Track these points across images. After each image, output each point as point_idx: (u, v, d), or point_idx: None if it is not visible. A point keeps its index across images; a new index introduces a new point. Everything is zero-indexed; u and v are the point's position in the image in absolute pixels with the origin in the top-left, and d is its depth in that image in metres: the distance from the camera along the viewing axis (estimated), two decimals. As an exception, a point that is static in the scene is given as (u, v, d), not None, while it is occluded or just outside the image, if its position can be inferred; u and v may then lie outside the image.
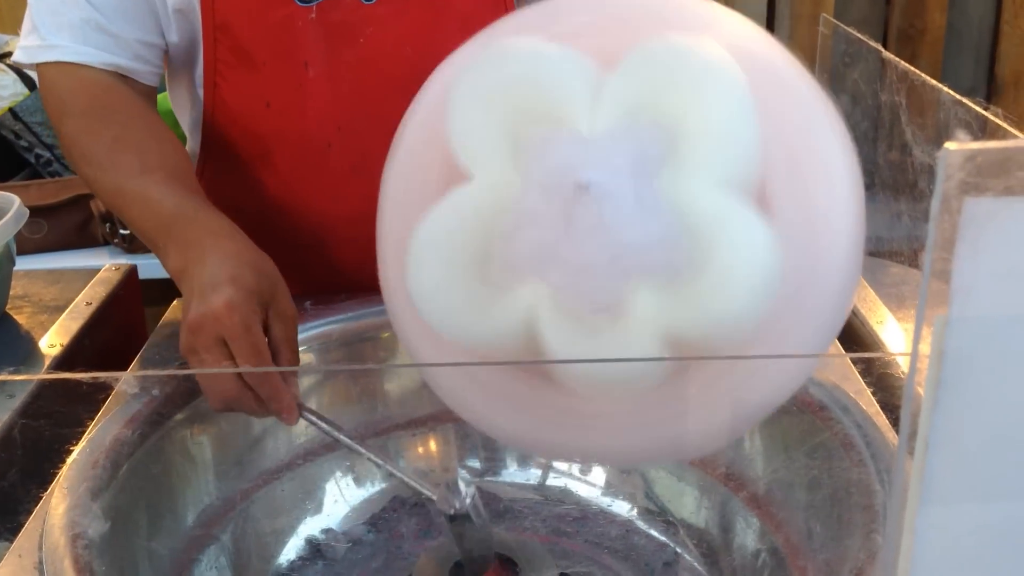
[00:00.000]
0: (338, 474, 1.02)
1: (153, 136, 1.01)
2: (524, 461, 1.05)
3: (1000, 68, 2.64)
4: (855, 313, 1.05)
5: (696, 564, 0.93)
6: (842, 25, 1.20)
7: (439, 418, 1.05)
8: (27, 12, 1.06)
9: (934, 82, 0.93)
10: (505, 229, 0.60)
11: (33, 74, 1.13)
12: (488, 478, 1.03)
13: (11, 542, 0.75)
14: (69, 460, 0.82)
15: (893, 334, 1.01)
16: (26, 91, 2.13)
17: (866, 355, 0.98)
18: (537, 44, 0.62)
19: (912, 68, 0.99)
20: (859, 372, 0.93)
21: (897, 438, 0.82)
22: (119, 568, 0.77)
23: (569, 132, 0.60)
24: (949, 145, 0.33)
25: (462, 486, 0.80)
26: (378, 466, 0.90)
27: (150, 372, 0.96)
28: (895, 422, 0.85)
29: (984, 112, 0.81)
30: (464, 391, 0.71)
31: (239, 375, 0.81)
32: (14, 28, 1.39)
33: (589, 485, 1.02)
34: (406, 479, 0.85)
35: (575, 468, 1.03)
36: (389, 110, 1.09)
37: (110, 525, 0.77)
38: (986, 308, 0.35)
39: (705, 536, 0.94)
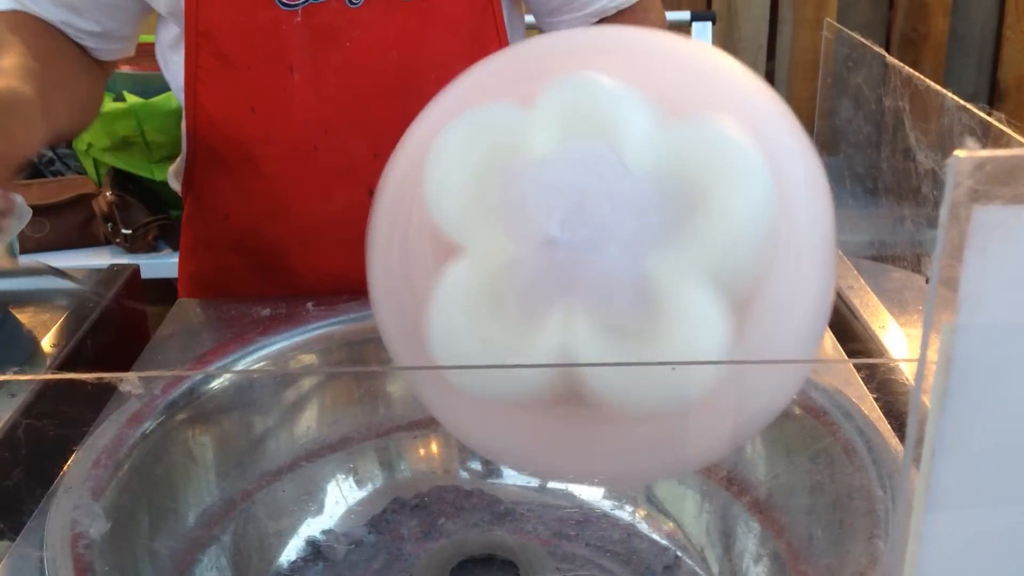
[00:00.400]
0: (339, 475, 1.02)
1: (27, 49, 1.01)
2: (525, 463, 1.05)
3: (1003, 73, 2.64)
4: (857, 317, 1.05)
5: (697, 568, 0.93)
6: (845, 29, 1.20)
7: (440, 420, 1.05)
8: None
9: (938, 87, 0.93)
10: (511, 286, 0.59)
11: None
12: (490, 480, 1.03)
13: (13, 541, 0.75)
14: (71, 460, 0.82)
15: (895, 339, 1.01)
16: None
17: (870, 360, 0.98)
18: (511, 109, 0.62)
19: (915, 73, 0.99)
20: (862, 377, 0.93)
21: (900, 443, 0.82)
22: (120, 568, 0.78)
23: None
24: (959, 153, 0.33)
25: None
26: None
27: (153, 373, 0.96)
28: (897, 427, 0.85)
29: (988, 118, 0.81)
30: (481, 429, 0.70)
31: None
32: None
33: (591, 488, 1.02)
34: None
35: (576, 471, 1.03)
36: (375, 113, 1.10)
37: (112, 525, 0.77)
38: (994, 315, 0.36)
39: (706, 540, 0.94)
